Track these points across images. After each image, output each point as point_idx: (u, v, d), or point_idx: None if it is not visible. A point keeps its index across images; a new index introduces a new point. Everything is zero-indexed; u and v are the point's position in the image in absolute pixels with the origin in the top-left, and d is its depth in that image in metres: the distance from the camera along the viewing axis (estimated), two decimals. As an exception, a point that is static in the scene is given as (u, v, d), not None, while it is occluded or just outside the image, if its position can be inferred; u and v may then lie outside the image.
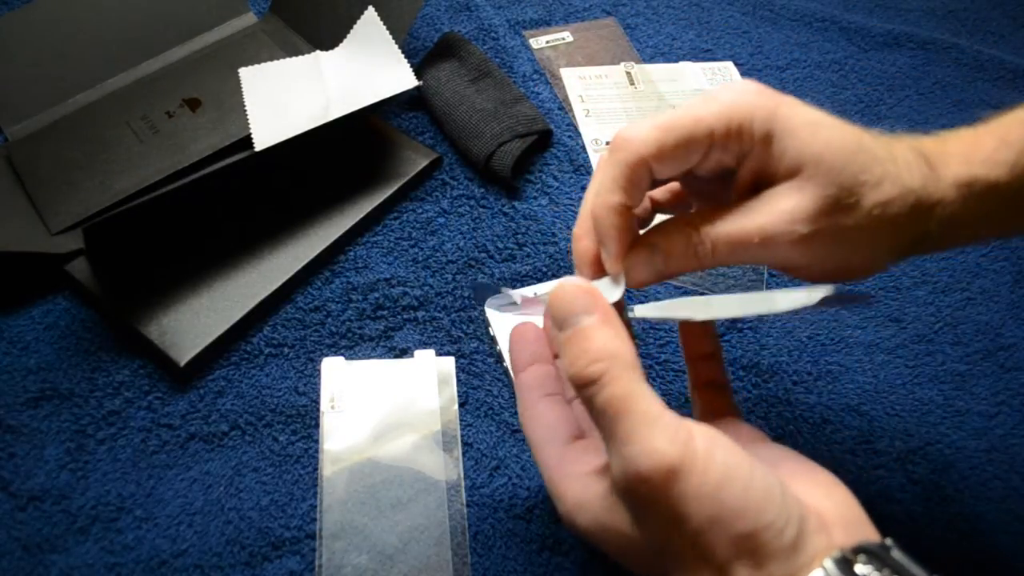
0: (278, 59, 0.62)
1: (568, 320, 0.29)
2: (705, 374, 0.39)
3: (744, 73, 0.71)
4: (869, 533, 0.28)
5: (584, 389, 0.28)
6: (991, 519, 0.47)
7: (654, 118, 0.32)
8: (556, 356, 0.38)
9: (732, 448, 0.27)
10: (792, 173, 0.32)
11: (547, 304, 0.31)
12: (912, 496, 0.47)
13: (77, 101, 0.60)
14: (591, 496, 0.30)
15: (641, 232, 0.35)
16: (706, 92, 0.33)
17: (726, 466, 0.26)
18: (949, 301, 0.56)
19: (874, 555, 0.26)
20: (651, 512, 0.27)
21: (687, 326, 0.39)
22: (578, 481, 0.31)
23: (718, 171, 0.34)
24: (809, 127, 0.32)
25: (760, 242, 0.32)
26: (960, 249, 0.59)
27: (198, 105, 0.60)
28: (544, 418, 0.34)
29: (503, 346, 0.51)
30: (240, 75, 0.60)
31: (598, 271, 0.35)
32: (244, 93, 0.59)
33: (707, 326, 0.38)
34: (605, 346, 0.28)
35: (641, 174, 0.32)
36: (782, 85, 0.71)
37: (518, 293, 0.38)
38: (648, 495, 0.26)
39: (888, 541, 0.27)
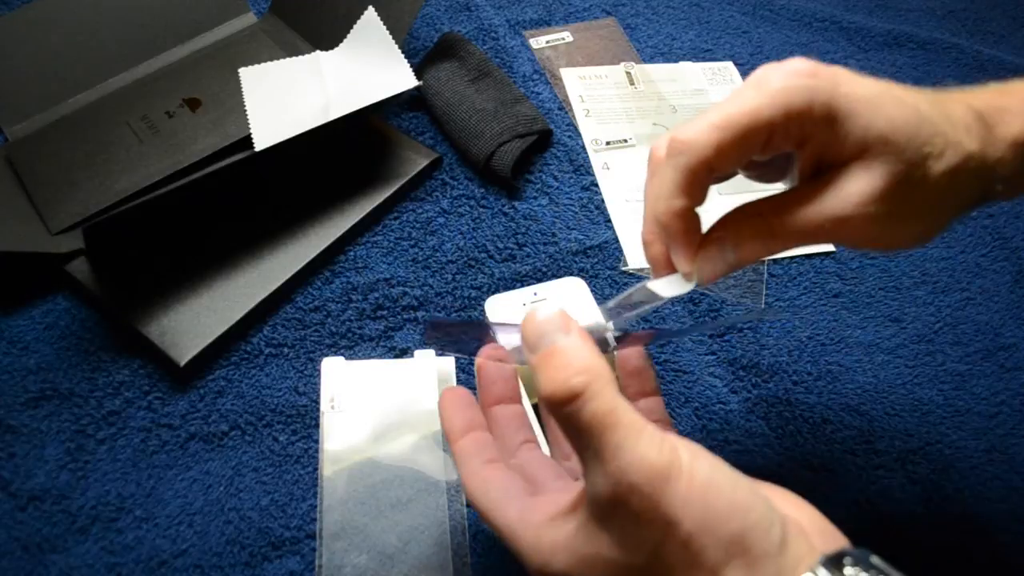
0: (278, 59, 0.62)
1: (542, 340, 0.28)
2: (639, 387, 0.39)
3: (744, 73, 0.71)
4: (845, 543, 0.28)
5: (566, 406, 0.27)
6: (991, 519, 0.47)
7: (707, 116, 0.32)
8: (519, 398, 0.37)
9: (713, 458, 0.27)
10: (857, 154, 0.31)
11: (506, 336, 0.30)
12: (912, 496, 0.47)
13: (77, 101, 0.60)
14: (565, 535, 0.29)
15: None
16: (754, 76, 0.32)
17: (711, 472, 0.26)
18: (949, 301, 0.56)
19: (858, 559, 0.26)
20: (641, 524, 0.27)
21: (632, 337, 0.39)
22: (548, 528, 0.30)
23: (775, 156, 0.34)
24: (870, 105, 0.31)
25: (832, 227, 0.32)
26: (960, 249, 0.59)
27: (198, 105, 0.60)
28: (494, 481, 0.33)
29: (503, 346, 0.51)
30: (240, 75, 0.60)
31: (673, 271, 0.35)
32: (244, 93, 0.59)
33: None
34: (585, 361, 0.28)
35: (702, 176, 0.32)
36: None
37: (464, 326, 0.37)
38: (639, 506, 0.26)
39: (865, 551, 0.27)
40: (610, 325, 0.37)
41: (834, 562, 0.26)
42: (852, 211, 0.31)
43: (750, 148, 0.32)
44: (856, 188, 0.31)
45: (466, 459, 0.34)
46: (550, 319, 0.29)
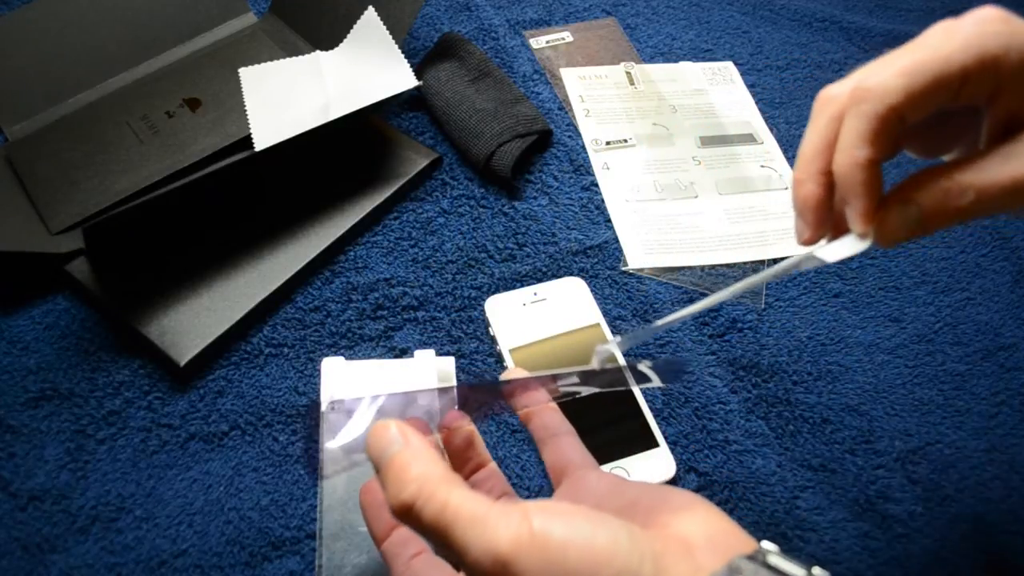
0: (278, 59, 0.62)
1: (380, 458, 0.28)
2: (546, 426, 0.38)
3: (744, 73, 0.71)
4: (740, 545, 0.28)
5: (408, 517, 0.27)
6: (991, 519, 0.47)
7: (894, 61, 0.30)
8: None
9: (570, 514, 0.26)
10: None
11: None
12: (912, 496, 0.47)
13: (77, 101, 0.60)
14: None
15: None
16: (940, 25, 0.30)
17: (565, 533, 0.26)
18: (949, 301, 0.56)
19: (750, 563, 0.26)
20: None
21: (518, 385, 0.38)
22: None
23: (958, 112, 0.32)
24: None
25: None
26: (960, 249, 0.59)
27: (198, 105, 0.60)
28: (420, 571, 0.33)
29: (503, 346, 0.51)
30: (240, 75, 0.60)
31: (822, 216, 0.33)
32: (244, 93, 0.59)
33: (542, 380, 0.38)
34: (414, 469, 0.27)
35: (892, 125, 0.30)
36: (782, 85, 0.71)
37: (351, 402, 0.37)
38: None
39: (765, 544, 0.27)
40: (615, 347, 0.37)
41: None
42: None
43: (941, 96, 0.30)
44: None
45: (392, 559, 0.34)
46: (388, 435, 0.29)
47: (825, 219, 0.33)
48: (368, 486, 0.37)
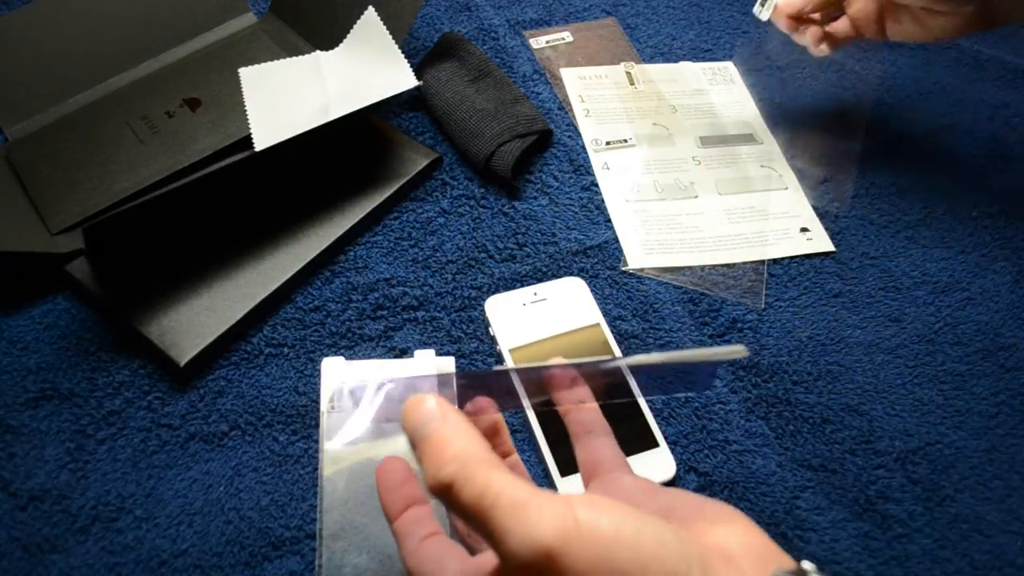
0: (278, 59, 0.62)
1: (418, 432, 0.28)
2: (583, 422, 0.37)
3: (744, 73, 0.71)
4: (782, 560, 0.27)
5: (445, 496, 0.26)
6: (991, 519, 0.47)
7: None
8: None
9: (615, 508, 0.26)
10: None
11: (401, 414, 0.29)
12: (912, 496, 0.47)
13: (77, 101, 0.60)
14: None
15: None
16: None
17: (613, 528, 0.25)
18: (949, 301, 0.56)
19: None
20: None
21: (555, 376, 0.37)
22: None
23: None
24: None
25: None
26: (960, 249, 0.59)
27: (198, 105, 0.60)
28: (431, 554, 0.32)
29: (503, 346, 0.51)
30: (240, 75, 0.60)
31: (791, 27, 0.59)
32: (244, 93, 0.59)
33: (573, 373, 0.37)
34: (454, 446, 0.27)
35: None
36: (782, 85, 0.71)
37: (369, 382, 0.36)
38: None
39: (805, 564, 0.26)
40: (620, 362, 0.36)
41: None
42: None
43: None
44: None
45: (404, 538, 0.34)
46: (426, 409, 0.28)
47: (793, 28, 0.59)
48: (385, 465, 0.36)
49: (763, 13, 0.60)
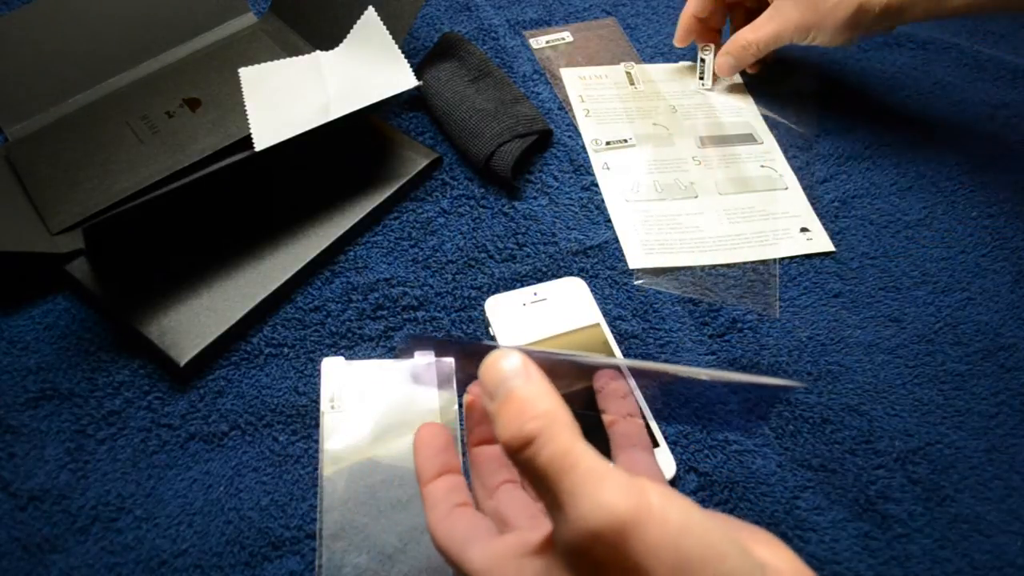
0: (278, 59, 0.62)
1: (500, 386, 0.28)
2: (626, 435, 0.37)
3: (743, 73, 0.71)
4: None
5: (522, 452, 0.26)
6: (991, 519, 0.47)
7: None
8: (492, 441, 0.36)
9: (685, 501, 0.26)
10: None
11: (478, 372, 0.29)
12: (912, 496, 0.47)
13: (77, 101, 0.60)
14: (531, 573, 0.28)
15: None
16: None
17: (684, 516, 0.25)
18: (949, 301, 0.56)
19: None
20: (608, 574, 0.25)
21: (609, 383, 0.37)
22: (512, 564, 0.28)
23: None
24: None
25: None
26: (960, 249, 0.59)
27: (198, 105, 0.60)
28: (459, 524, 0.32)
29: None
30: (240, 75, 0.60)
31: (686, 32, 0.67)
32: (244, 93, 0.59)
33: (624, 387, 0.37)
34: (540, 405, 0.27)
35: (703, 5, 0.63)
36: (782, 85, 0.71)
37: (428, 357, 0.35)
38: (603, 555, 0.25)
39: None
40: (621, 360, 0.37)
41: None
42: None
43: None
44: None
45: (433, 504, 0.33)
46: (511, 367, 0.28)
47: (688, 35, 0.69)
48: (427, 429, 0.36)
49: (707, 83, 0.69)
